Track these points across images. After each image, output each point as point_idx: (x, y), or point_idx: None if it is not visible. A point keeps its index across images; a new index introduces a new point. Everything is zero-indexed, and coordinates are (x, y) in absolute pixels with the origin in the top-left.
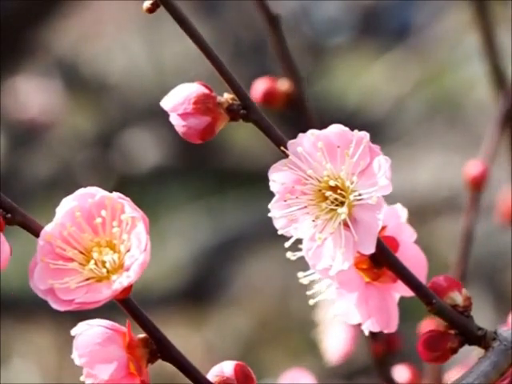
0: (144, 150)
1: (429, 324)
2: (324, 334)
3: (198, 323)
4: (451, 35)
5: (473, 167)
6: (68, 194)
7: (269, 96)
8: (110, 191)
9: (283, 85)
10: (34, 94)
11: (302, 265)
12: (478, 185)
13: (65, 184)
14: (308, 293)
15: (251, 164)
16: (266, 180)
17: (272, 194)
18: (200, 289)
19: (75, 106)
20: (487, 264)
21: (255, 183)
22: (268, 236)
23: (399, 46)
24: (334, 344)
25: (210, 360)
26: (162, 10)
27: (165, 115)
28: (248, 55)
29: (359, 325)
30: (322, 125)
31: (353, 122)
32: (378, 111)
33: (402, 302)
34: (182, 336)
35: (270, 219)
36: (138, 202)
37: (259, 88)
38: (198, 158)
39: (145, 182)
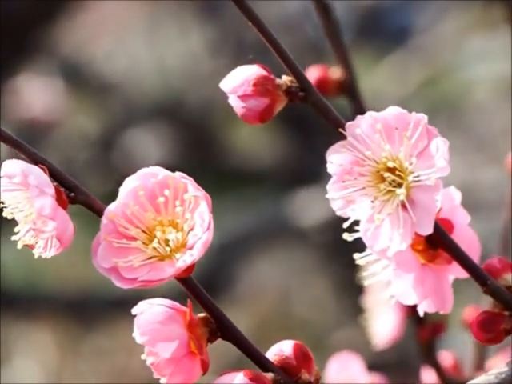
0: (146, 149)
1: (473, 311)
2: (372, 319)
3: None
4: (452, 37)
5: None
6: None
7: (321, 84)
8: (112, 191)
9: (335, 73)
10: (37, 94)
11: (303, 264)
12: None
13: None
14: (364, 274)
15: (251, 165)
16: (266, 181)
17: (274, 196)
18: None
19: (78, 105)
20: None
21: (255, 184)
22: (268, 237)
23: (400, 48)
24: (382, 329)
25: (212, 358)
26: (164, 10)
27: (167, 115)
28: (250, 55)
29: (404, 310)
30: (325, 126)
31: None
32: None
33: None
34: None
35: (271, 220)
36: None
37: (312, 76)
38: (198, 158)
39: None
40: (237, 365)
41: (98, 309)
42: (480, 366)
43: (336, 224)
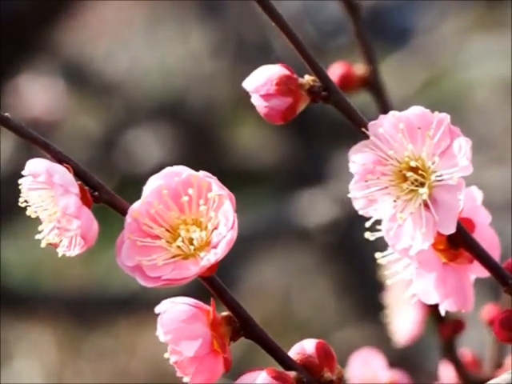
0: (147, 149)
1: (492, 309)
2: (392, 316)
3: None
4: (453, 38)
5: None
6: None
7: (345, 80)
8: (113, 190)
9: (359, 69)
10: (38, 94)
11: (304, 265)
12: None
13: None
14: (385, 273)
15: (252, 165)
16: (267, 181)
17: (274, 196)
18: (201, 290)
19: (79, 105)
20: None
21: (256, 184)
22: (269, 237)
23: (401, 48)
24: (403, 326)
25: None
26: (165, 10)
27: (168, 115)
28: (251, 55)
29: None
30: (327, 126)
31: None
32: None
33: None
34: None
35: (271, 220)
36: None
37: (336, 72)
38: (199, 158)
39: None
40: (237, 369)
41: (98, 309)
42: (498, 364)
43: (337, 224)
